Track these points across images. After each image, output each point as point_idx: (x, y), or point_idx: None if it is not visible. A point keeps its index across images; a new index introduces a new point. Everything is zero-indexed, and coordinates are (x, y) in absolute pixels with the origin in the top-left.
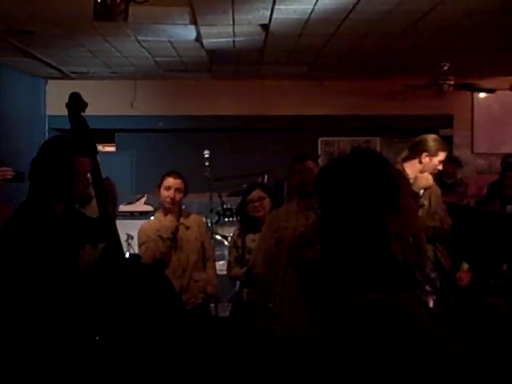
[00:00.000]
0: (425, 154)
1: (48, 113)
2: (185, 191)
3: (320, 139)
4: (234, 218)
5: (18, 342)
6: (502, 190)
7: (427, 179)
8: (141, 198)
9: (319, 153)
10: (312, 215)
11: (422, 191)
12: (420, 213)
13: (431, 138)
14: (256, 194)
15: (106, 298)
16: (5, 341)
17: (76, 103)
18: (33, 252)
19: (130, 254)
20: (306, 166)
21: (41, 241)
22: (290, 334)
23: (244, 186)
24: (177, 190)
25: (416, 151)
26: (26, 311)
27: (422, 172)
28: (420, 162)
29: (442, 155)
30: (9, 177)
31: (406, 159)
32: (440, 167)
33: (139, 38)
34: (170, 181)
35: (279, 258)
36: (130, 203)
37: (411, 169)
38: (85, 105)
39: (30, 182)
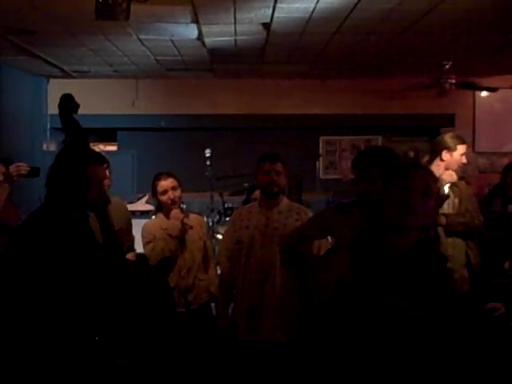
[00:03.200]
0: (444, 151)
1: (49, 112)
2: (179, 185)
3: (321, 138)
4: None
5: (19, 349)
6: (504, 190)
7: (451, 175)
8: (142, 197)
9: (320, 151)
10: (273, 214)
11: (447, 187)
12: (446, 208)
13: (447, 135)
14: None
15: (103, 296)
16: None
17: (68, 104)
18: (48, 257)
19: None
20: (275, 167)
21: (58, 246)
22: (251, 329)
23: (245, 185)
24: (172, 188)
25: (436, 151)
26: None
27: (447, 169)
28: (442, 160)
29: (461, 148)
30: (24, 172)
31: (430, 162)
32: (464, 160)
33: (141, 36)
34: (163, 184)
35: (240, 255)
36: (131, 202)
37: (437, 169)
38: (77, 105)
39: (46, 190)
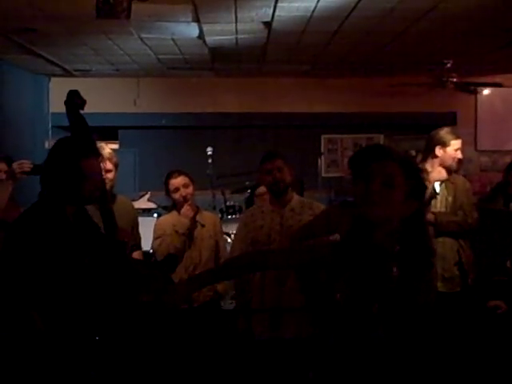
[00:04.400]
0: (437, 147)
1: (51, 110)
2: (191, 181)
3: (323, 136)
4: (237, 215)
5: (23, 348)
6: (506, 188)
7: (440, 172)
8: (144, 195)
9: (322, 150)
10: (286, 212)
11: (437, 185)
12: (439, 206)
13: (441, 131)
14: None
15: (104, 295)
16: (9, 346)
17: (74, 101)
18: (41, 255)
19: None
20: (276, 165)
21: (50, 244)
22: (273, 327)
23: (247, 183)
24: (183, 186)
25: (429, 147)
26: (32, 317)
27: (441, 165)
28: (436, 157)
29: (455, 144)
30: (27, 169)
31: (424, 159)
32: (459, 155)
33: (142, 35)
34: (174, 182)
35: None
36: (133, 200)
37: (431, 165)
38: (83, 102)
39: (41, 186)
